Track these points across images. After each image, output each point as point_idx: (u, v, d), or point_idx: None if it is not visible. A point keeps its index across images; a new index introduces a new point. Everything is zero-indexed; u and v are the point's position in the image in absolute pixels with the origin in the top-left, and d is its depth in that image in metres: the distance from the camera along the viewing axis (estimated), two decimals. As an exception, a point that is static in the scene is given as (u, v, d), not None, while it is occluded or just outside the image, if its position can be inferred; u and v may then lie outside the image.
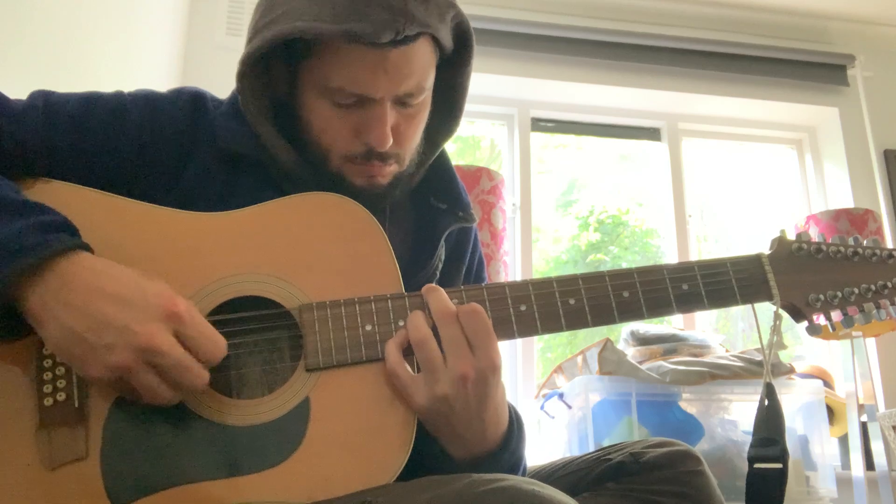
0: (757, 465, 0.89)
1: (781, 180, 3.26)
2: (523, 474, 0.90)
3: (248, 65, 0.87)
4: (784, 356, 2.33)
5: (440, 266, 0.99)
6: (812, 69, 3.09)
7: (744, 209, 3.21)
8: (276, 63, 0.91)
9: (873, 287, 0.91)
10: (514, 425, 0.84)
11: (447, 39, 0.90)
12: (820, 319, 0.92)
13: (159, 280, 0.75)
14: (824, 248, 0.92)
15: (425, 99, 0.92)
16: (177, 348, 0.71)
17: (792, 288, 0.91)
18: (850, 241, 0.93)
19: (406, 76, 0.85)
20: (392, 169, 0.92)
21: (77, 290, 0.71)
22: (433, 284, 0.83)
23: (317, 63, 0.86)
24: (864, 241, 0.93)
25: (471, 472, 0.71)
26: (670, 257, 2.99)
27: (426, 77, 0.89)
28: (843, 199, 3.03)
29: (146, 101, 0.91)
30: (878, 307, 0.91)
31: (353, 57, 0.83)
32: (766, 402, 0.92)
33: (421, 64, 0.87)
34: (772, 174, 3.28)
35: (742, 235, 3.19)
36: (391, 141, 0.88)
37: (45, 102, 0.87)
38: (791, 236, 0.94)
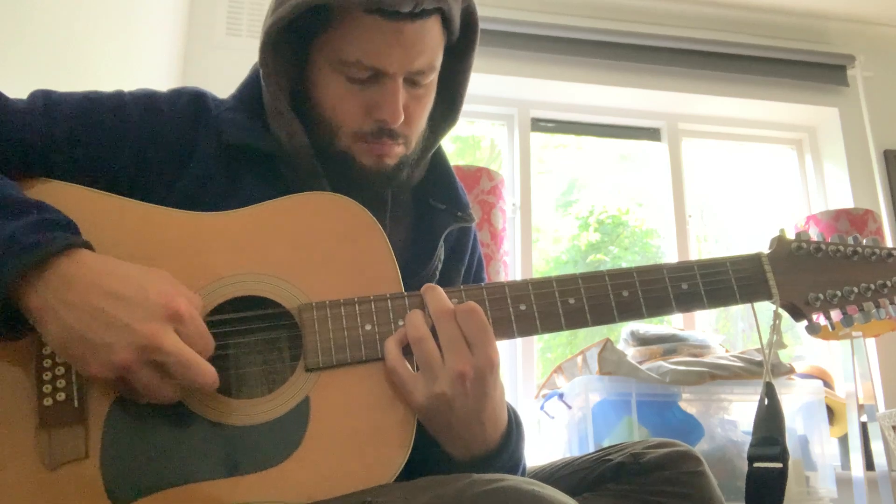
0: (756, 465, 0.89)
1: (781, 180, 3.26)
2: (523, 475, 0.90)
3: (272, 36, 0.88)
4: (784, 356, 2.33)
5: (439, 266, 1.00)
6: (812, 69, 3.10)
7: (744, 209, 3.21)
8: (288, 44, 0.91)
9: (873, 286, 0.91)
10: (513, 426, 0.84)
11: (457, 22, 0.92)
12: (819, 319, 0.92)
13: (162, 274, 0.75)
14: (824, 247, 0.92)
15: (433, 80, 0.93)
16: (182, 346, 0.71)
17: (791, 287, 0.91)
18: (850, 241, 0.93)
19: (419, 52, 0.87)
20: (400, 150, 0.93)
21: (78, 289, 0.71)
22: (432, 284, 0.83)
23: (333, 36, 0.87)
24: (864, 241, 0.93)
25: (470, 472, 0.71)
26: (670, 257, 2.99)
27: (436, 56, 0.91)
28: (843, 199, 3.03)
29: (147, 100, 0.91)
30: (877, 306, 0.91)
31: (370, 29, 0.85)
32: (766, 402, 0.91)
33: (433, 42, 0.89)
34: (772, 174, 3.28)
35: (742, 235, 3.19)
36: (403, 117, 0.89)
37: (45, 102, 0.87)
38: (790, 236, 0.94)
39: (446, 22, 0.90)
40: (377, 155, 0.91)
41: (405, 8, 0.83)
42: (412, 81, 0.90)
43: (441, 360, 0.77)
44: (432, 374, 0.77)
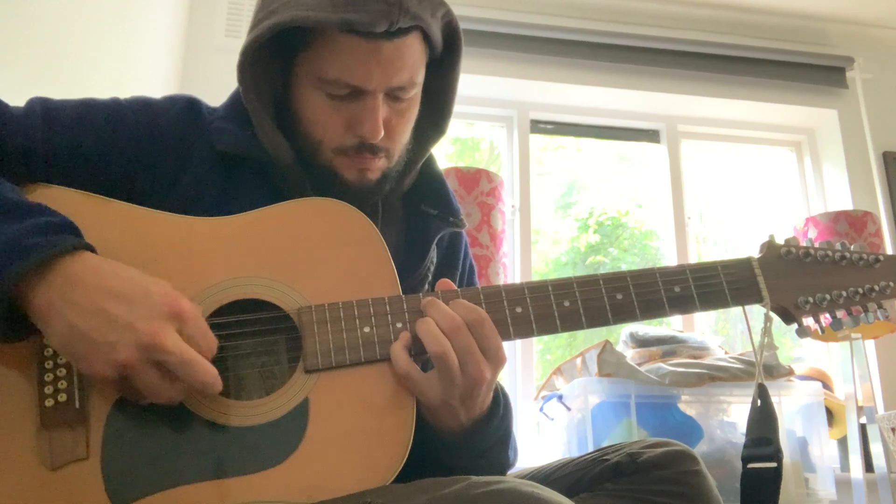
0: (751, 466, 0.90)
1: (780, 182, 3.26)
2: (514, 449, 0.96)
3: (249, 54, 0.89)
4: (783, 358, 2.33)
5: (431, 269, 1.01)
6: (811, 71, 3.10)
7: (743, 211, 3.21)
8: (272, 58, 0.93)
9: (861, 290, 0.92)
10: (500, 396, 0.90)
11: (437, 37, 0.93)
12: (809, 322, 0.93)
13: (162, 280, 0.76)
14: (812, 252, 0.93)
15: (416, 95, 0.94)
16: (183, 345, 0.72)
17: (781, 291, 0.92)
18: (838, 246, 0.94)
19: (398, 69, 0.88)
20: (381, 163, 0.94)
21: (82, 289, 0.72)
22: (431, 297, 0.84)
23: (312, 55, 0.88)
24: (852, 246, 0.94)
25: (462, 440, 0.79)
26: (669, 259, 2.99)
27: (417, 72, 0.92)
28: (843, 201, 3.03)
29: (143, 107, 0.93)
30: (865, 310, 0.93)
31: (348, 48, 0.86)
32: (759, 403, 0.92)
33: (413, 58, 0.90)
34: (771, 176, 3.28)
35: (741, 237, 3.19)
36: (382, 133, 0.90)
37: (43, 108, 0.88)
38: (781, 240, 0.95)
39: (426, 37, 0.91)
40: (359, 169, 0.93)
41: (380, 28, 0.84)
42: (393, 97, 0.91)
43: (460, 370, 0.80)
44: (452, 381, 0.80)
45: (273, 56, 0.93)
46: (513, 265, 2.79)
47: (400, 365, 0.81)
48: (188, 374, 0.72)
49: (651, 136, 3.17)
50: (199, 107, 0.96)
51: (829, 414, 2.41)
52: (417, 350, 0.82)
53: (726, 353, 2.28)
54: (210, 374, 0.73)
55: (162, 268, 0.81)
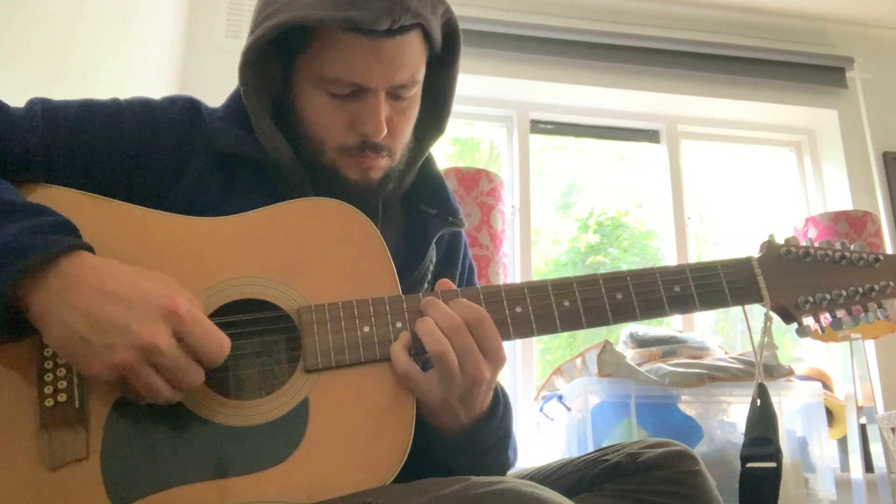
0: (749, 465, 0.90)
1: (780, 182, 3.26)
2: (514, 449, 0.96)
3: (251, 55, 0.90)
4: (783, 358, 2.33)
5: (430, 268, 1.01)
6: (811, 71, 3.10)
7: (743, 211, 3.21)
8: (273, 60, 0.93)
9: (861, 290, 0.92)
10: (500, 395, 0.89)
11: (437, 34, 0.93)
12: (809, 321, 0.93)
13: (162, 277, 0.76)
14: (812, 251, 0.93)
15: (417, 93, 0.95)
16: (175, 348, 0.72)
17: (781, 290, 0.92)
18: (838, 246, 0.94)
19: (399, 67, 0.88)
20: (384, 163, 0.94)
21: (79, 291, 0.72)
22: (431, 297, 0.84)
23: (314, 54, 0.89)
24: (852, 246, 0.94)
25: (462, 441, 0.79)
26: (669, 259, 2.99)
27: (418, 70, 0.92)
28: (842, 201, 3.03)
29: (143, 107, 0.93)
30: (865, 310, 0.93)
31: (349, 46, 0.86)
32: (759, 403, 0.92)
33: (414, 56, 0.90)
34: (771, 176, 3.28)
35: (741, 237, 3.20)
36: (385, 130, 0.90)
37: (43, 108, 0.88)
38: (781, 240, 0.95)
39: (427, 35, 0.91)
40: (362, 169, 0.93)
41: (382, 26, 0.84)
42: (395, 95, 0.91)
43: (459, 369, 0.80)
44: (451, 381, 0.81)
45: (273, 57, 0.93)
46: (513, 265, 2.79)
47: (400, 365, 0.81)
48: (178, 377, 0.73)
49: (651, 136, 3.17)
50: (199, 107, 0.96)
51: (829, 414, 2.41)
52: (417, 350, 0.82)
53: (726, 353, 2.28)
54: (199, 378, 0.74)
55: (161, 268, 0.81)
